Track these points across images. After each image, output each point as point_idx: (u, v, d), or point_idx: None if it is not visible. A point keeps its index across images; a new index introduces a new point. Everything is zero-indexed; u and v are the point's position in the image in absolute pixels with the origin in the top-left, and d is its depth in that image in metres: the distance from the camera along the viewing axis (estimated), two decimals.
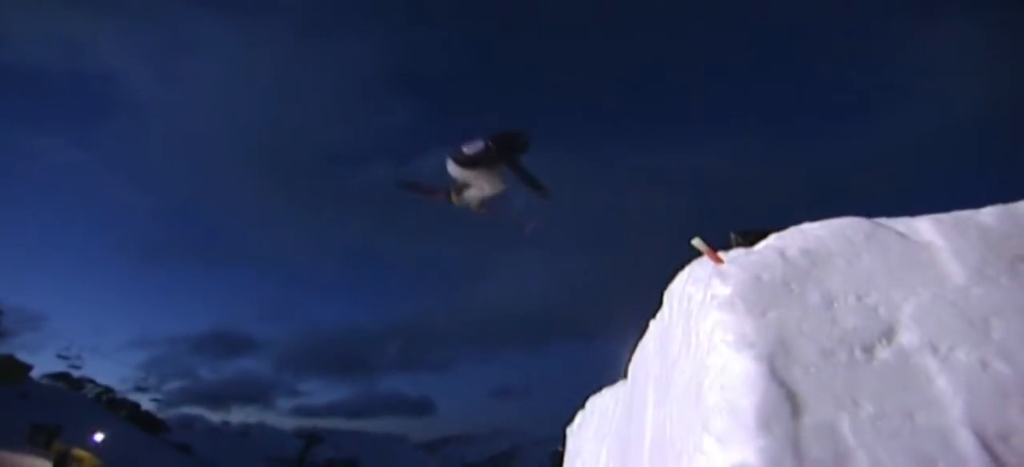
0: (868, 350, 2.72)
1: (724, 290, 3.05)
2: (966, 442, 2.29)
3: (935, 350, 2.64)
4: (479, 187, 7.13)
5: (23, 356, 54.97)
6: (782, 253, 3.21)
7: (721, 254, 3.37)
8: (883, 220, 3.34)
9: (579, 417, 11.48)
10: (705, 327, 2.98)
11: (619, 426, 7.79)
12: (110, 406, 58.10)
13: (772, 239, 3.45)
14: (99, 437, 33.63)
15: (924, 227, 3.18)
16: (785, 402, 2.49)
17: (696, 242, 3.37)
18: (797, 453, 2.34)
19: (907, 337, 2.72)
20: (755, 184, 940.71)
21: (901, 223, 3.28)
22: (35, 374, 55.29)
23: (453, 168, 6.97)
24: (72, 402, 51.15)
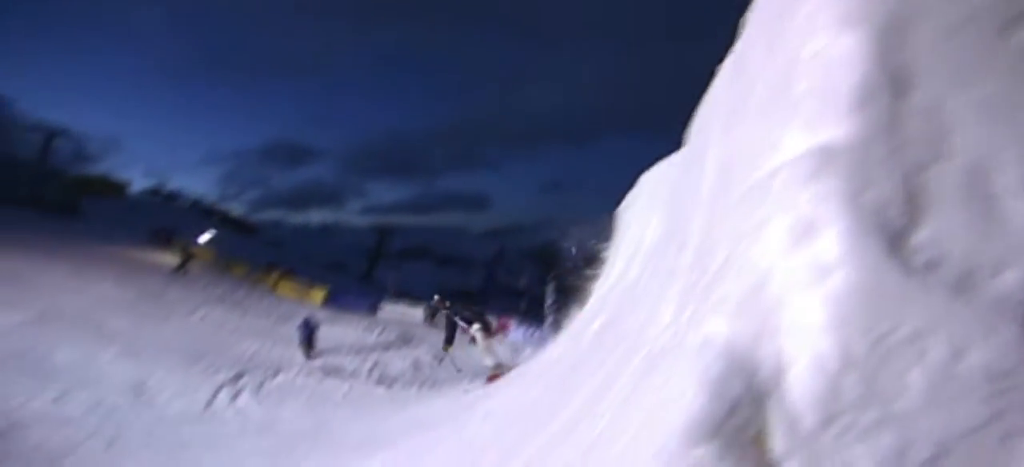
0: (1003, 30, 2.24)
1: None
2: None
3: None
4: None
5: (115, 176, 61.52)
6: None
7: None
8: None
9: (630, 196, 11.53)
10: (803, 13, 2.54)
11: (671, 190, 7.71)
12: (204, 214, 64.93)
13: None
14: (206, 237, 37.81)
15: None
16: (889, 81, 2.15)
17: None
18: (894, 133, 2.07)
19: None
20: None
21: None
22: (130, 191, 61.99)
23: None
24: (171, 211, 57.41)
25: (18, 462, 7.14)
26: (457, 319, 10.50)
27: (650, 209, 9.22)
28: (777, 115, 2.55)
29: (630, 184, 11.73)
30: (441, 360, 13.91)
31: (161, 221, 43.85)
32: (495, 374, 9.68)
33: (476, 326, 10.61)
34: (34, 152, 44.53)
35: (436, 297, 11.07)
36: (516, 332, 20.72)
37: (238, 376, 11.65)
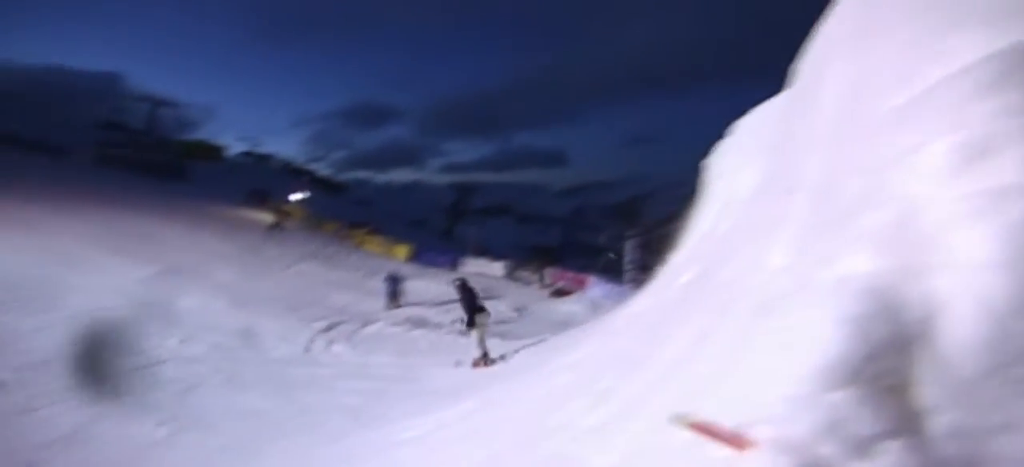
0: None
1: None
2: None
3: None
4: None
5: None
6: None
7: None
8: None
9: (719, 147, 10.81)
10: None
11: (771, 136, 7.12)
12: (294, 174, 69.06)
13: None
14: (297, 197, 40.24)
15: None
16: None
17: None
18: None
19: None
20: None
21: None
22: (227, 155, 66.97)
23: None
24: (264, 173, 61.57)
25: (159, 393, 8.10)
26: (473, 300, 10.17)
27: (744, 158, 8.63)
28: (940, 18, 2.18)
29: (718, 135, 11.05)
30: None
31: (256, 182, 47.23)
32: (479, 363, 9.60)
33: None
34: (142, 121, 49.16)
35: (457, 279, 11.05)
36: (595, 288, 20.58)
37: (332, 325, 12.45)
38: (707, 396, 2.42)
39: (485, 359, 9.53)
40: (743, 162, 8.80)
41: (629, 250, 22.11)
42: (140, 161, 41.44)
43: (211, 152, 61.59)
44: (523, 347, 10.45)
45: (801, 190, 3.62)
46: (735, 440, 1.71)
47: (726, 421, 1.87)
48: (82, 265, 12.20)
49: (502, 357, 9.73)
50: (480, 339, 9.60)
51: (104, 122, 50.50)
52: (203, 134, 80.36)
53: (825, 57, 4.36)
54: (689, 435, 2.04)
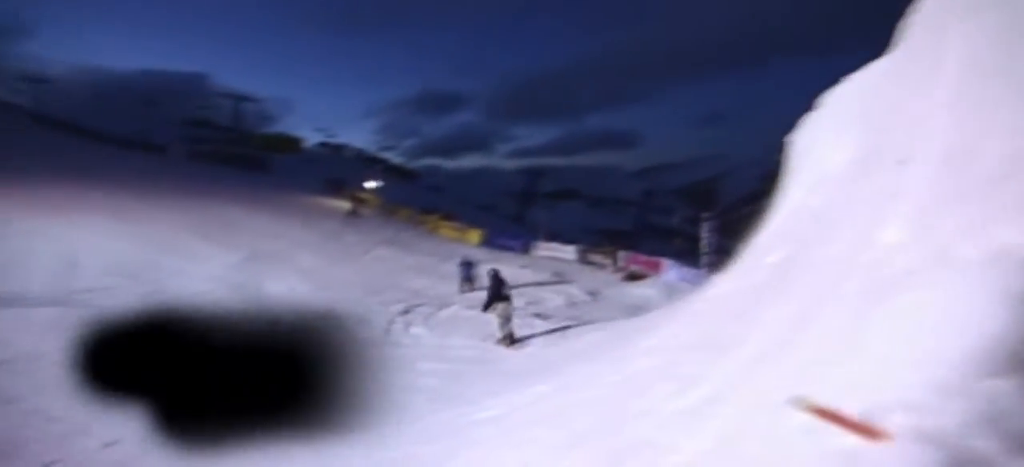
0: None
1: None
2: None
3: None
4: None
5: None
6: None
7: None
8: None
9: (807, 120, 10.04)
10: None
11: (871, 105, 6.51)
12: (368, 163, 71.57)
13: None
14: (371, 184, 41.70)
15: None
16: None
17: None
18: None
19: None
20: None
21: None
22: (304, 146, 70.25)
23: None
24: (339, 163, 64.27)
25: None
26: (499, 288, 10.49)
27: (837, 130, 7.99)
28: None
29: (801, 111, 10.30)
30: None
31: (332, 172, 49.50)
32: (503, 342, 10.30)
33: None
34: (227, 117, 52.78)
35: (491, 269, 11.73)
36: (670, 272, 19.94)
37: (410, 308, 12.84)
38: (815, 381, 2.20)
39: (510, 339, 10.33)
40: (835, 136, 8.17)
41: (705, 232, 21.22)
42: (226, 155, 44.67)
43: (290, 144, 65.00)
44: (598, 329, 10.32)
45: (919, 161, 3.24)
46: (864, 429, 1.51)
47: (848, 408, 1.68)
48: (178, 252, 13.32)
49: (527, 338, 10.61)
50: (503, 321, 10.35)
51: (192, 119, 54.71)
52: (282, 127, 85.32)
53: (942, 19, 3.89)
54: (800, 420, 1.86)
